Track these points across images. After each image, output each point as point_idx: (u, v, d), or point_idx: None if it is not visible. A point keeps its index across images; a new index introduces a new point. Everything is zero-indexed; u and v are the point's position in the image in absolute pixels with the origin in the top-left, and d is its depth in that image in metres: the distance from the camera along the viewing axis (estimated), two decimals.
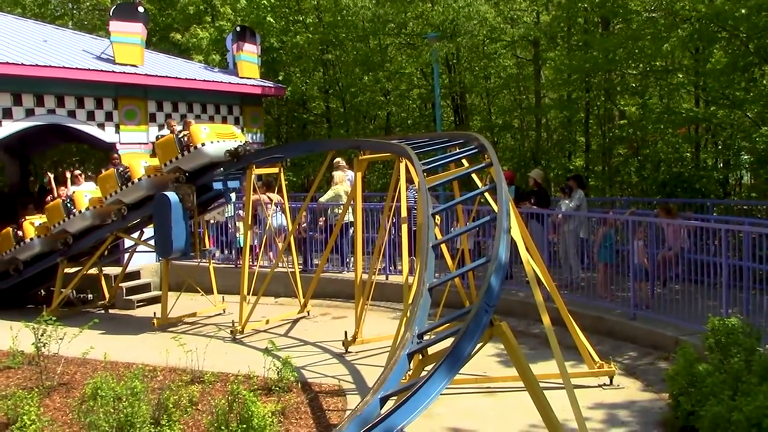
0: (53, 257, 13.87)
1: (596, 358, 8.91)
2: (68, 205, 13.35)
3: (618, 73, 19.98)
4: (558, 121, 23.31)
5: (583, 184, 13.52)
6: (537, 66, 22.43)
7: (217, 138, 12.29)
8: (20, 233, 13.93)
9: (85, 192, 13.61)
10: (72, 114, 14.61)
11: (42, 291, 14.73)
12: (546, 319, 7.28)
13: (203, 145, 12.07)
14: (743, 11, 13.26)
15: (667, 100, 20.95)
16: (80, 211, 13.24)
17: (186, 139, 12.20)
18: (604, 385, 8.75)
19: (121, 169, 12.95)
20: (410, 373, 6.19)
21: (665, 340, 9.52)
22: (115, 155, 14.13)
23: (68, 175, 14.84)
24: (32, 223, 13.99)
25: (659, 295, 10.73)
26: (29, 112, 13.85)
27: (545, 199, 13.19)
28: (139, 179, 12.62)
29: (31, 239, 13.80)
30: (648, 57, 17.75)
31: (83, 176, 15.03)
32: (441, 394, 5.31)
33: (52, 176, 15.55)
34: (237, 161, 12.18)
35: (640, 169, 20.15)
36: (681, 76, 19.35)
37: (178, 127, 13.23)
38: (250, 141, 12.75)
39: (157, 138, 13.90)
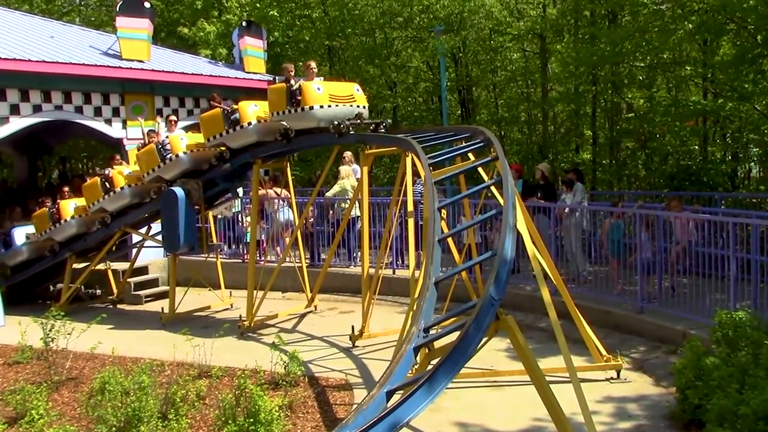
0: (91, 237, 13.76)
1: (603, 352, 8.90)
2: (106, 183, 13.16)
3: (625, 66, 19.89)
4: (565, 114, 23.24)
5: (581, 178, 13.49)
6: (544, 59, 22.36)
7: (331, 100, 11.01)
8: (56, 213, 13.73)
9: (123, 170, 13.41)
10: (79, 110, 14.63)
11: (51, 286, 14.79)
12: (552, 313, 7.27)
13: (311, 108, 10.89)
14: (751, 2, 13.17)
15: (674, 92, 20.86)
16: (120, 188, 13.03)
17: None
18: (612, 378, 8.73)
19: (162, 144, 12.68)
20: (416, 366, 6.19)
21: (673, 333, 9.48)
22: (153, 132, 13.65)
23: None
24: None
25: (667, 289, 10.69)
26: (36, 108, 13.88)
27: (552, 193, 13.15)
28: (183, 153, 12.46)
29: (67, 219, 13.62)
30: (655, 49, 17.67)
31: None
32: (447, 388, 5.33)
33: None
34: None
35: (647, 162, 20.08)
36: (689, 68, 19.25)
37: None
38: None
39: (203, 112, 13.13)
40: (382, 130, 11.16)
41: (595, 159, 21.32)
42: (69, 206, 13.63)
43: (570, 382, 7.03)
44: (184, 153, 12.42)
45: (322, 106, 10.83)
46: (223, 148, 12.36)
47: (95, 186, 13.28)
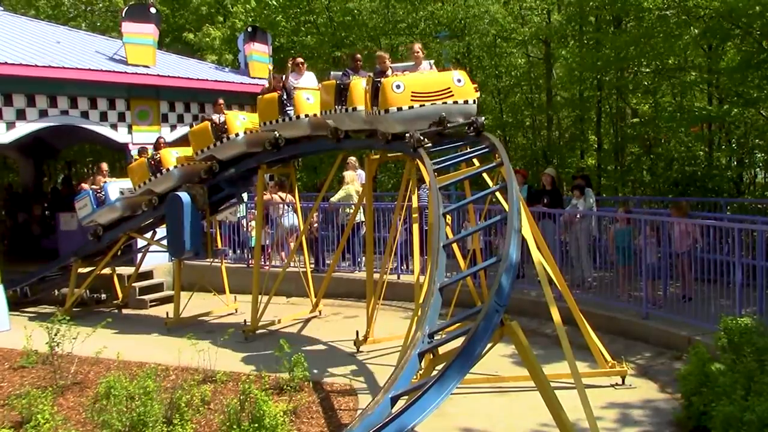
0: None
1: (608, 358, 8.88)
2: (217, 130, 12.29)
3: (630, 71, 19.88)
4: (570, 119, 23.23)
5: (590, 184, 13.51)
6: (548, 64, 22.36)
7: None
8: (157, 163, 12.81)
9: (239, 114, 12.69)
10: (85, 115, 14.68)
11: (56, 291, 14.81)
12: (557, 318, 7.27)
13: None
14: (757, 8, 13.16)
15: (679, 98, 20.83)
16: (236, 135, 12.14)
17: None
18: (617, 384, 8.71)
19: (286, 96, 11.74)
20: (421, 372, 6.21)
21: (678, 339, 9.47)
22: (221, 101, 13.04)
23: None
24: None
25: (672, 295, 10.68)
26: (42, 113, 13.93)
27: (558, 199, 13.14)
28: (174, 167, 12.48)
29: (169, 169, 12.74)
30: (660, 55, 17.66)
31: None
32: (452, 394, 5.34)
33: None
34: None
35: (652, 168, 20.05)
36: (694, 74, 19.22)
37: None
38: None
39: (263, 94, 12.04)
40: (473, 133, 8.93)
41: (600, 164, 21.30)
42: (171, 155, 12.76)
43: (575, 388, 7.03)
44: (174, 167, 12.51)
45: (400, 109, 8.80)
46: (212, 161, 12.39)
47: (205, 130, 12.39)
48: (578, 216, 12.14)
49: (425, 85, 8.89)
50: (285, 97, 11.22)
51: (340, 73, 10.71)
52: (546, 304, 7.71)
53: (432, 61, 9.80)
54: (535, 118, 23.81)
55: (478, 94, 9.35)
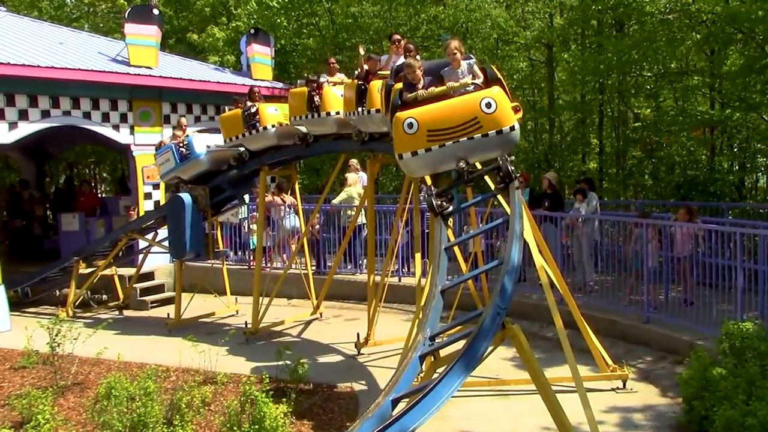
0: (286, 151, 12.03)
1: (609, 362, 8.87)
2: (248, 119, 11.81)
3: (632, 75, 19.87)
4: (572, 122, 23.23)
5: (594, 187, 13.50)
6: (551, 68, 22.37)
7: None
8: (253, 117, 11.78)
9: (272, 106, 12.03)
10: (87, 115, 14.68)
11: (57, 291, 14.82)
12: (558, 322, 7.26)
13: None
14: (760, 13, 13.16)
15: (681, 102, 20.82)
16: (268, 126, 11.65)
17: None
18: (618, 388, 8.70)
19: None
20: (422, 375, 6.19)
21: (679, 344, 9.45)
22: (256, 88, 12.64)
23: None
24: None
25: (673, 299, 10.66)
26: (45, 114, 13.93)
27: (559, 202, 13.14)
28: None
29: (267, 127, 11.67)
30: (663, 59, 17.66)
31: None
32: (453, 397, 5.32)
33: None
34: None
35: (654, 172, 20.03)
36: (696, 78, 19.22)
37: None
38: None
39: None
40: (500, 185, 7.21)
41: (602, 168, 21.29)
42: (269, 111, 11.77)
43: (576, 392, 7.02)
44: (272, 126, 11.61)
45: (415, 153, 6.99)
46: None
47: (236, 119, 11.94)
48: (580, 220, 12.13)
49: (444, 120, 6.86)
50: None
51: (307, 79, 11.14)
52: (547, 308, 7.71)
53: (473, 61, 7.44)
54: (536, 122, 23.80)
55: (519, 115, 7.32)
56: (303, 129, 11.41)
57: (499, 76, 7.57)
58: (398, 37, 9.93)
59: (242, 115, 11.73)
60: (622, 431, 7.50)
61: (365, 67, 9.84)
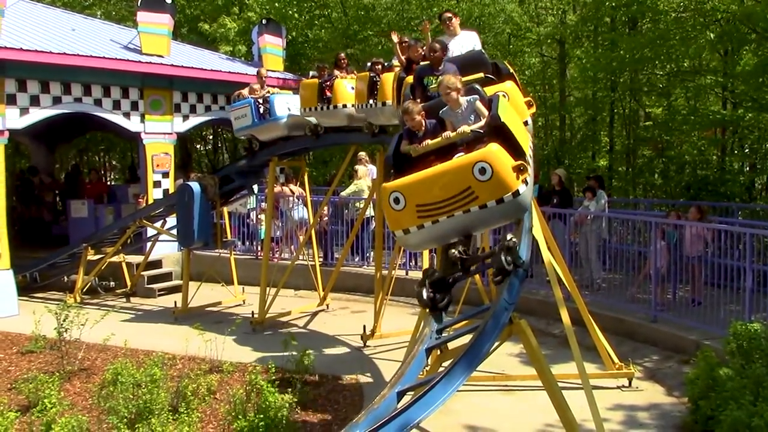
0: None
1: (616, 360, 8.86)
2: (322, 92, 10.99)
3: (645, 73, 19.78)
4: (582, 120, 23.15)
5: (603, 185, 13.47)
6: (563, 64, 22.29)
7: None
8: (328, 92, 10.98)
9: (349, 84, 10.90)
10: (98, 103, 14.70)
11: (65, 277, 14.87)
12: (566, 318, 7.25)
13: None
14: None
15: (693, 101, 20.72)
16: (342, 105, 10.91)
17: None
18: (623, 386, 8.69)
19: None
20: (428, 368, 6.20)
21: (686, 343, 9.42)
22: (342, 54, 11.99)
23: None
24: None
25: (681, 299, 10.63)
26: (56, 100, 13.95)
27: (568, 199, 13.11)
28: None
29: (337, 106, 10.86)
30: (676, 58, 17.57)
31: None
32: (458, 391, 5.32)
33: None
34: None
35: (664, 171, 19.96)
36: (709, 77, 19.12)
37: None
38: None
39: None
40: (497, 278, 5.91)
41: (612, 166, 21.22)
42: (346, 88, 10.76)
43: (581, 389, 7.01)
44: (344, 105, 10.77)
45: (407, 231, 5.93)
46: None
47: (314, 90, 11.06)
48: (589, 217, 12.10)
49: (434, 192, 5.66)
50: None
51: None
52: (554, 304, 7.70)
53: (474, 97, 6.25)
54: (547, 118, 23.74)
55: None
56: (313, 120, 11.39)
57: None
58: (449, 14, 8.59)
59: (319, 85, 10.93)
60: (627, 429, 7.49)
61: (402, 57, 8.88)
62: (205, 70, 16.36)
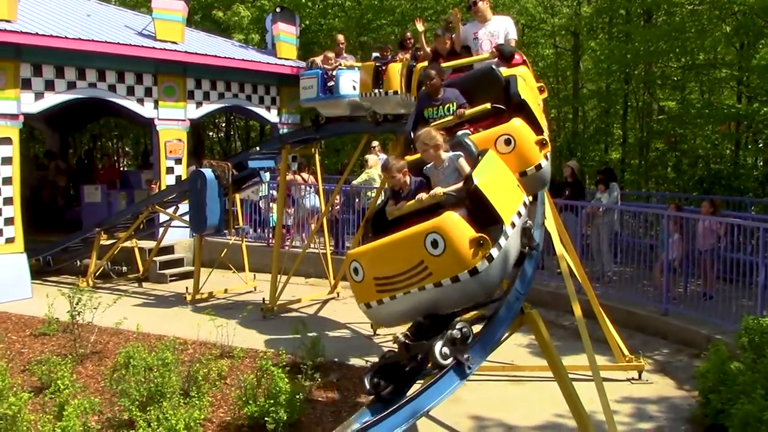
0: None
1: (626, 352, 8.86)
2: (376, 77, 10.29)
3: (659, 66, 19.66)
4: (595, 112, 23.06)
5: (614, 177, 13.43)
6: (576, 56, 22.19)
7: None
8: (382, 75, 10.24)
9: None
10: (112, 88, 14.74)
11: (78, 261, 14.97)
12: (577, 310, 7.24)
13: None
14: None
15: (708, 95, 20.60)
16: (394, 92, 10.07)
17: None
18: (633, 379, 8.69)
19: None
20: None
21: (697, 337, 9.40)
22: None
23: None
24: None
25: (692, 292, 10.60)
26: (71, 85, 14.00)
27: (580, 191, 13.07)
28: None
29: (389, 93, 10.18)
30: (691, 51, 17.45)
31: None
32: (467, 380, 5.33)
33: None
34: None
35: (677, 165, 19.87)
36: (724, 71, 18.99)
37: None
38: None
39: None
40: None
41: (624, 159, 21.15)
42: (398, 74, 10.01)
43: (591, 380, 7.02)
44: (395, 92, 9.94)
45: (369, 305, 5.32)
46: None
47: (370, 73, 10.36)
48: (601, 209, 12.07)
49: (389, 264, 5.03)
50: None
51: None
52: (564, 296, 7.70)
53: (455, 154, 5.47)
54: (560, 110, 23.66)
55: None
56: (367, 105, 10.79)
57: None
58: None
59: (375, 69, 10.26)
60: (637, 422, 7.49)
61: (428, 48, 8.28)
62: (219, 57, 16.36)
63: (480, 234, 4.81)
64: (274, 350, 8.79)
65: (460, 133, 5.99)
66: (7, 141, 12.87)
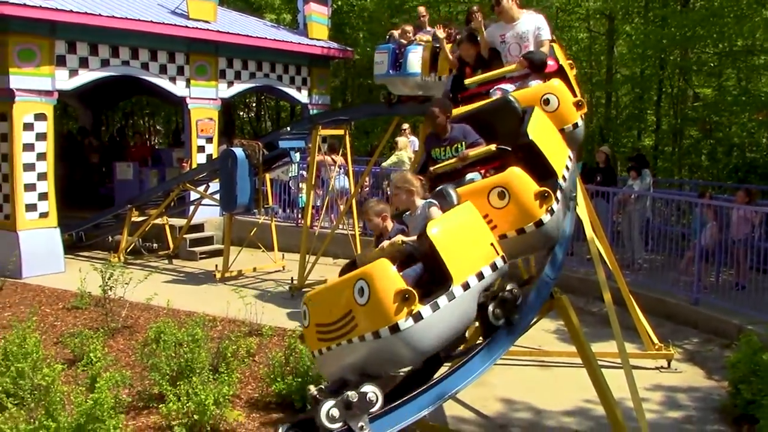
0: None
1: (655, 341, 8.79)
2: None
3: (695, 52, 19.33)
4: (629, 98, 22.76)
5: (646, 164, 13.26)
6: (611, 40, 21.89)
7: None
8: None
9: None
10: (145, 66, 14.83)
11: (109, 237, 15.15)
12: (608, 297, 7.16)
13: None
14: None
15: (745, 82, 20.22)
16: None
17: None
18: (662, 368, 8.63)
19: None
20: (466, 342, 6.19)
21: (728, 327, 9.28)
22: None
23: None
24: None
25: (724, 282, 10.47)
26: (104, 63, 14.10)
27: (612, 178, 12.94)
28: None
29: (442, 78, 9.64)
30: (728, 36, 17.13)
31: None
32: (494, 364, 5.32)
33: None
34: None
35: (711, 153, 19.57)
36: (763, 57, 18.61)
37: None
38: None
39: None
40: None
41: (657, 146, 20.87)
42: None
43: (618, 368, 6.97)
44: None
45: (314, 353, 5.00)
46: None
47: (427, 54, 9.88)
48: (633, 196, 11.94)
49: (326, 311, 4.71)
50: None
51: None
52: (594, 283, 7.65)
53: (427, 203, 5.16)
54: (592, 95, 23.38)
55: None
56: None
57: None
58: None
59: (432, 50, 9.68)
60: (666, 410, 7.44)
61: (452, 56, 7.71)
62: (251, 37, 16.38)
63: (405, 289, 4.36)
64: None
65: (469, 176, 5.73)
66: (42, 117, 13.02)
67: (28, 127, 12.86)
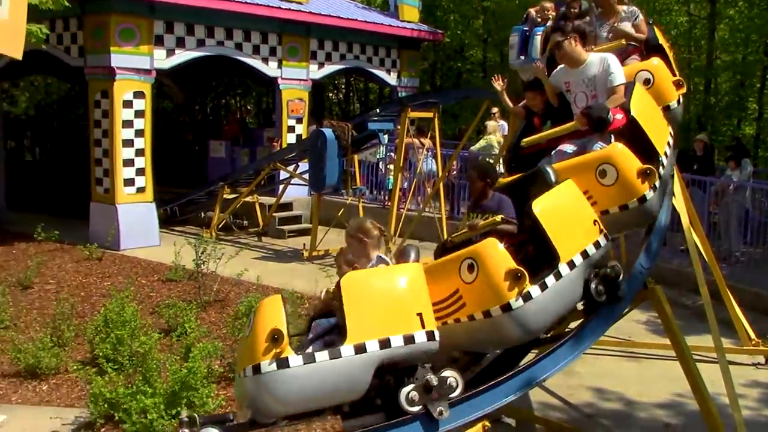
0: None
1: (752, 336, 8.48)
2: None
3: None
4: (729, 85, 21.84)
5: (746, 153, 12.72)
6: (712, 24, 21.02)
7: None
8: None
9: None
10: (239, 47, 15.11)
11: (202, 213, 15.58)
12: (704, 289, 6.94)
13: None
14: None
15: None
16: None
17: None
18: (759, 364, 8.35)
19: None
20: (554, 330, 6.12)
21: None
22: None
23: None
24: None
25: None
26: (200, 43, 14.43)
27: (710, 167, 12.48)
28: None
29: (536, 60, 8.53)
30: None
31: None
32: (583, 354, 5.24)
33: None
34: None
35: None
36: None
37: None
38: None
39: None
40: None
41: (759, 135, 19.99)
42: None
43: (711, 362, 6.77)
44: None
45: None
46: None
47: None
48: (732, 187, 11.49)
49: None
50: None
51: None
52: (687, 275, 7.42)
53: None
54: (691, 81, 22.54)
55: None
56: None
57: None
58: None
59: (544, 33, 8.68)
60: (762, 407, 7.19)
61: (515, 108, 7.05)
62: (342, 18, 16.47)
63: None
64: None
65: None
66: (140, 95, 13.48)
67: (127, 104, 13.33)
